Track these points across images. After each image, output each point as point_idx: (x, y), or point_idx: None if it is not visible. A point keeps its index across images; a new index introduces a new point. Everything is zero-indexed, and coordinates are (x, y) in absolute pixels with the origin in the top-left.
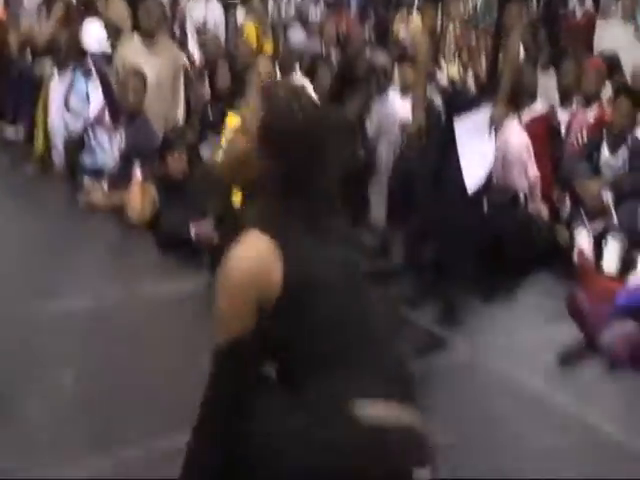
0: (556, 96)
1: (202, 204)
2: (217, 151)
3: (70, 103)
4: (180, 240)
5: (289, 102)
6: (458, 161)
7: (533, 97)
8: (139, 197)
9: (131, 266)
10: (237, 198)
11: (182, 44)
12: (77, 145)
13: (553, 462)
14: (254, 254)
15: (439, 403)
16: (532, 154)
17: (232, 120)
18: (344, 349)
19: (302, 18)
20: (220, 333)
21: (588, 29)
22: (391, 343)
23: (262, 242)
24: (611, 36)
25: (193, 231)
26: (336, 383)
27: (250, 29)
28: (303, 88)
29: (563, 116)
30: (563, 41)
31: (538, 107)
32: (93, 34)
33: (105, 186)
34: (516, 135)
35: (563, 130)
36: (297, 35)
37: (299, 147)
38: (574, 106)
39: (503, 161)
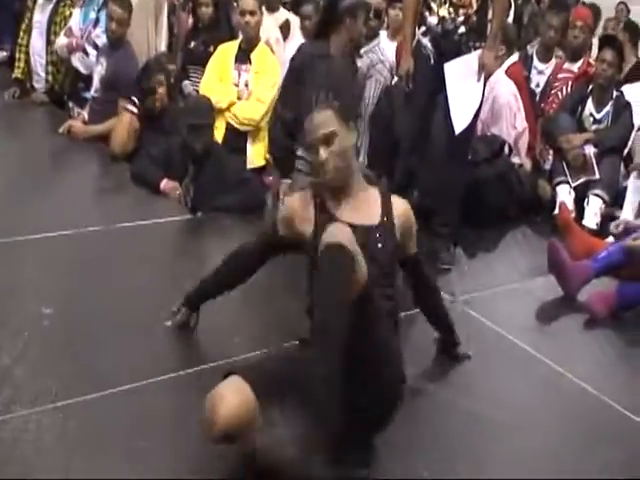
0: None
1: (182, 140)
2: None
3: (92, 36)
4: (150, 186)
5: None
6: (445, 106)
7: (512, 47)
8: (126, 130)
9: (112, 199)
10: (219, 135)
11: None
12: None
13: (525, 412)
14: None
15: (415, 348)
16: (520, 105)
17: (221, 51)
18: None
19: None
20: None
21: None
22: None
23: None
24: None
25: (162, 184)
26: None
27: None
28: None
29: (544, 69)
30: None
31: (515, 58)
32: None
33: (86, 115)
34: (504, 84)
35: (542, 83)
36: None
37: None
38: (553, 60)
39: (491, 110)
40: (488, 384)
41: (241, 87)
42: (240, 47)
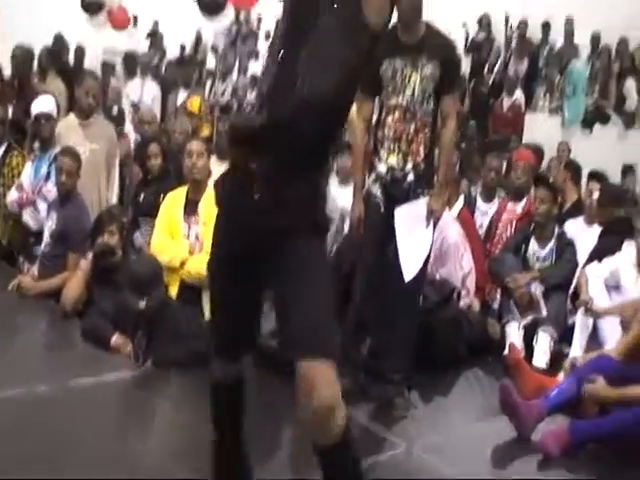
0: None
1: (133, 296)
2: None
3: (43, 191)
4: (101, 341)
5: None
6: (396, 251)
7: (459, 190)
8: (78, 287)
9: (62, 356)
10: (172, 290)
11: (117, 124)
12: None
13: None
14: None
15: None
16: (467, 246)
17: (169, 202)
18: None
19: (239, 101)
20: None
21: (515, 121)
22: None
23: None
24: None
25: (113, 340)
26: None
27: (196, 103)
28: None
29: (487, 209)
30: (491, 132)
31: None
32: (48, 105)
33: (35, 270)
34: (452, 226)
35: (486, 223)
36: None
37: None
38: (496, 200)
39: (439, 250)
40: None
41: (192, 240)
42: (187, 197)
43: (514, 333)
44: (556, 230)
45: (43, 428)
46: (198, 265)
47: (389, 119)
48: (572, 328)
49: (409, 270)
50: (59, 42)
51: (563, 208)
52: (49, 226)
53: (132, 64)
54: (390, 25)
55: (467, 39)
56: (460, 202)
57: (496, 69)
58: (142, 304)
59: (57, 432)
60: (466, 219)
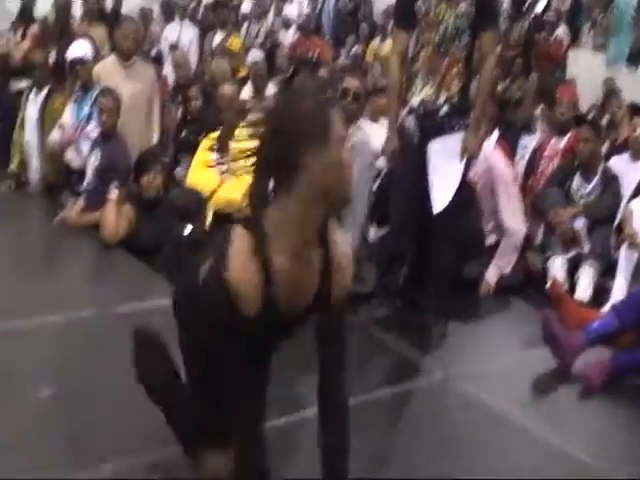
0: None
1: (176, 226)
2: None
3: (86, 131)
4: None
5: None
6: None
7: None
8: (113, 216)
9: (104, 284)
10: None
11: (157, 65)
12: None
13: None
14: None
15: (409, 426)
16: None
17: (206, 142)
18: None
19: (273, 42)
20: None
21: (557, 55)
22: None
23: None
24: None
25: None
26: None
27: (236, 42)
28: None
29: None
30: (534, 67)
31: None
32: (83, 50)
33: (81, 204)
34: (501, 162)
35: (527, 157)
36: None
37: None
38: (537, 133)
39: (491, 188)
40: (485, 462)
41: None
42: (220, 135)
43: (557, 267)
44: (601, 165)
45: (89, 347)
46: (228, 192)
47: (422, 53)
48: (616, 262)
49: (439, 202)
50: None
51: (616, 143)
52: (92, 163)
53: (170, 9)
54: None
55: None
56: (495, 133)
57: (538, 7)
58: (187, 230)
59: (103, 350)
60: (504, 150)
